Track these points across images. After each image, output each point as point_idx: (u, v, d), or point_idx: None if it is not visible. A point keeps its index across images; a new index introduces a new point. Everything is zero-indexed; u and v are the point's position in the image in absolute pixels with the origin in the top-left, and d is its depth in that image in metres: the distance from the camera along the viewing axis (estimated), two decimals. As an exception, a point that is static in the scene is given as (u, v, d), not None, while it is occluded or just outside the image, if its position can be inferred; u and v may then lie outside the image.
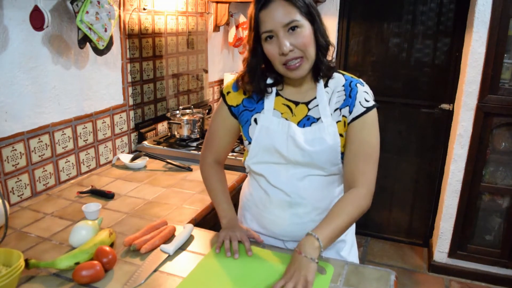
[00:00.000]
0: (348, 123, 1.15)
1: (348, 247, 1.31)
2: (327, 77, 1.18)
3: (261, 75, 1.17)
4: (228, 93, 1.26)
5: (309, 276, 0.99)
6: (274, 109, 1.20)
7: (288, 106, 1.20)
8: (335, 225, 1.08)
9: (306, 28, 1.07)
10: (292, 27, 1.06)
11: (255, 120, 1.21)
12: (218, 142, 1.31)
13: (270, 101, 1.21)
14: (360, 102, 1.14)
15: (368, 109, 1.13)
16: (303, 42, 1.07)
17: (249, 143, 1.23)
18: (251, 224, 1.33)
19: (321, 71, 1.15)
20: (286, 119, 1.19)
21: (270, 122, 1.19)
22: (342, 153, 1.17)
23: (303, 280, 0.98)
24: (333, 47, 1.16)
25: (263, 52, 1.12)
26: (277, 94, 1.22)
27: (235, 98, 1.25)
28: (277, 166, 1.21)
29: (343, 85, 1.17)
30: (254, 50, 1.13)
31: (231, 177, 1.82)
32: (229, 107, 1.26)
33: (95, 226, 1.27)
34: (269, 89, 1.20)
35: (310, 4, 1.09)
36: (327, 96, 1.17)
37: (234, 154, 1.99)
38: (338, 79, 1.19)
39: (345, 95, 1.16)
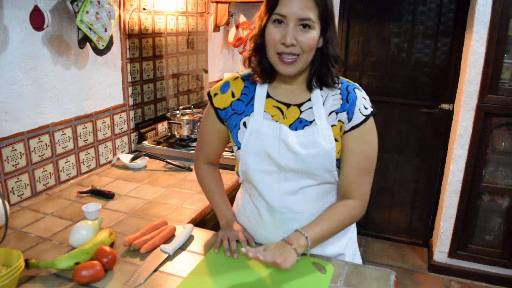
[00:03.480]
0: (346, 131, 1.11)
1: (349, 260, 1.26)
2: (327, 86, 1.13)
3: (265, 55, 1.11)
4: (215, 94, 1.21)
5: (288, 262, 1.03)
6: (264, 111, 1.14)
7: (279, 108, 1.14)
8: (325, 228, 1.12)
9: (316, 32, 1.04)
10: (305, 25, 1.02)
11: (244, 124, 1.15)
12: (207, 145, 1.29)
13: (260, 103, 1.15)
14: (359, 109, 1.10)
15: (367, 117, 1.11)
16: (308, 43, 1.03)
17: (238, 148, 1.16)
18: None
19: (324, 81, 1.11)
20: (277, 121, 1.13)
21: (261, 125, 1.12)
22: (337, 160, 1.12)
23: (282, 259, 1.02)
24: (341, 61, 1.13)
25: None
26: (268, 96, 1.15)
27: (222, 101, 1.19)
28: (269, 176, 1.14)
29: (339, 88, 1.13)
30: (264, 27, 1.07)
31: (230, 177, 1.82)
32: (216, 109, 1.20)
33: (95, 226, 1.27)
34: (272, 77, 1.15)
35: (331, 13, 1.06)
36: (322, 98, 1.12)
37: (234, 154, 1.99)
38: None
39: (342, 99, 1.11)
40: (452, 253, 2.74)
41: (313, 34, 1.04)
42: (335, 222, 1.13)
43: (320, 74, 1.11)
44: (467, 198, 2.62)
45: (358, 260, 1.31)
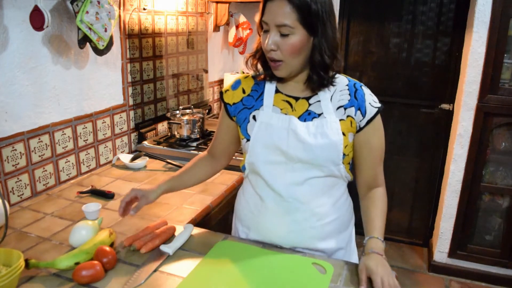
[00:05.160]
0: (363, 127, 1.15)
1: (348, 255, 1.29)
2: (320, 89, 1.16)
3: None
4: (226, 91, 1.27)
5: (393, 273, 1.05)
6: (273, 105, 1.18)
7: (288, 102, 1.17)
8: (383, 223, 1.18)
9: (298, 37, 1.05)
10: (283, 30, 1.04)
11: (254, 117, 1.19)
12: (215, 138, 1.35)
13: (269, 97, 1.19)
14: (370, 103, 1.15)
15: (378, 110, 1.16)
16: (287, 49, 1.06)
17: (247, 140, 1.19)
18: (244, 234, 1.30)
19: (312, 84, 1.14)
20: (286, 114, 1.16)
21: (270, 118, 1.16)
22: (344, 154, 1.14)
23: (393, 280, 1.03)
24: (340, 62, 1.13)
25: None
26: (277, 91, 1.19)
27: (233, 96, 1.24)
28: (276, 167, 1.17)
29: (347, 85, 1.17)
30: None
31: (231, 177, 1.82)
32: (226, 104, 1.26)
33: (95, 226, 1.27)
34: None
35: (319, 16, 1.04)
36: (329, 93, 1.15)
37: (240, 149, 1.99)
38: (341, 78, 1.18)
39: (350, 95, 1.15)
40: (452, 253, 2.74)
41: (293, 40, 1.05)
42: (383, 214, 1.19)
43: (311, 78, 1.13)
44: (467, 198, 2.62)
45: (355, 256, 1.34)
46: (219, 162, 1.38)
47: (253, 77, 1.25)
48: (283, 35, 1.05)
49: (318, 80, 1.12)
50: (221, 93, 1.28)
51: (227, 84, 1.31)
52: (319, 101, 1.15)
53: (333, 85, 1.16)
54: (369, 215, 1.19)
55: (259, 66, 1.20)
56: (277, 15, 1.03)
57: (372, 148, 1.18)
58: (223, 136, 1.32)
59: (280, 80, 1.19)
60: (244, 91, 1.24)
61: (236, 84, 1.26)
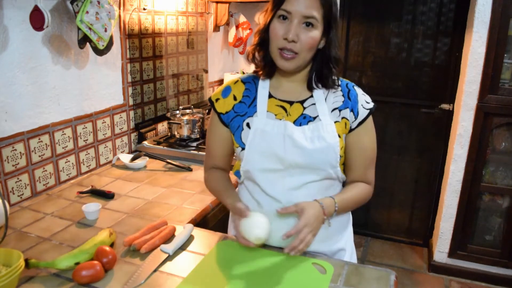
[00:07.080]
0: (354, 128, 1.15)
1: (348, 255, 1.29)
2: (327, 87, 1.16)
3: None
4: (217, 100, 1.22)
5: (315, 234, 1.09)
6: (267, 111, 1.16)
7: (282, 107, 1.16)
8: (351, 198, 1.19)
9: (317, 32, 1.07)
10: (308, 23, 1.05)
11: (248, 125, 1.16)
12: (213, 151, 1.29)
13: (263, 103, 1.16)
14: (362, 105, 1.15)
15: (370, 111, 1.16)
16: (308, 42, 1.06)
17: (243, 149, 1.16)
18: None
19: (324, 81, 1.13)
20: (281, 120, 1.14)
21: (265, 125, 1.14)
22: (340, 156, 1.14)
23: (311, 237, 1.07)
24: (342, 63, 1.15)
25: None
26: (270, 96, 1.17)
27: (225, 105, 1.21)
28: (273, 175, 1.15)
29: (339, 85, 1.17)
30: (270, 22, 1.09)
31: (231, 177, 1.82)
32: (219, 114, 1.21)
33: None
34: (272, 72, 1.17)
35: (334, 15, 1.08)
36: (323, 95, 1.15)
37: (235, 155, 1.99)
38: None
39: (343, 96, 1.15)
40: (452, 253, 2.74)
41: (315, 34, 1.06)
42: (356, 195, 1.19)
43: (320, 74, 1.13)
44: (467, 198, 2.62)
45: (354, 257, 1.34)
46: (227, 172, 1.34)
47: (243, 81, 1.22)
48: (306, 28, 1.05)
49: (331, 75, 1.13)
50: (212, 102, 1.23)
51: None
52: (314, 104, 1.15)
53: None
54: (343, 190, 1.21)
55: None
56: (307, 7, 1.04)
57: (363, 149, 1.18)
58: (221, 146, 1.26)
59: (272, 77, 1.18)
60: (235, 98, 1.20)
61: (226, 91, 1.22)
